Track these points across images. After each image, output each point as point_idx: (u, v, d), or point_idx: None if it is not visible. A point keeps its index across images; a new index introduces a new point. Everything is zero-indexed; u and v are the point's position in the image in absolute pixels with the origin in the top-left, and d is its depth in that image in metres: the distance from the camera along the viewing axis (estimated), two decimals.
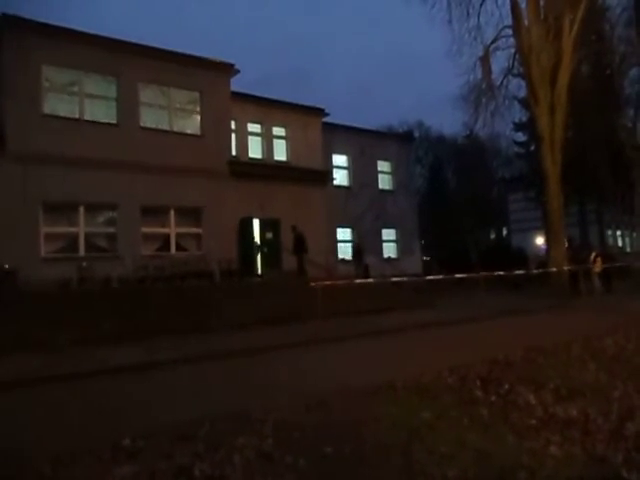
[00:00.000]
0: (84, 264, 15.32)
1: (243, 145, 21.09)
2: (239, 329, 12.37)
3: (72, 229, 16.04)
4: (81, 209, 16.07)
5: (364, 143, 26.79)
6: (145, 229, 17.07)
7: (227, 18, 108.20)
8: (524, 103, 28.93)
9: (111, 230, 16.73)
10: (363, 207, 26.36)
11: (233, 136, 20.15)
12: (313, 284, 11.80)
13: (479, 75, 22.53)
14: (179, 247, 17.82)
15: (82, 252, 15.94)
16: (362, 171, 26.86)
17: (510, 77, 23.76)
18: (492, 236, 55.54)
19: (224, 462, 4.10)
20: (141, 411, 6.03)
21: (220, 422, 5.04)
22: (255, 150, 21.64)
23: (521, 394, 5.55)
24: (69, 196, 15.69)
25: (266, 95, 21.92)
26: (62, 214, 16.09)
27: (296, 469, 3.92)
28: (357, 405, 5.49)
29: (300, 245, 18.32)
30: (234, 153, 20.12)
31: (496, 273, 18.26)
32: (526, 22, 21.24)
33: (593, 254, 21.80)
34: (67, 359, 9.30)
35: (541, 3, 21.49)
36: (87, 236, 16.22)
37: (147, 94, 17.69)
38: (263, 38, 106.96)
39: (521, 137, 42.03)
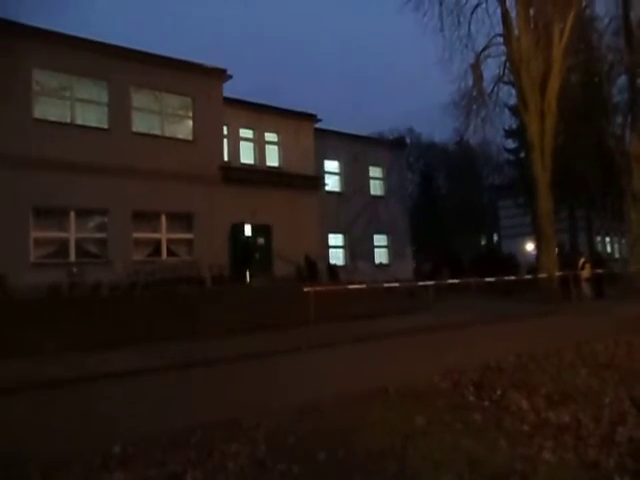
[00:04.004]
0: (74, 269, 15.21)
1: (235, 150, 21.07)
2: (231, 335, 12.32)
3: (62, 234, 15.92)
4: (72, 214, 15.96)
5: (356, 149, 26.86)
6: (136, 234, 16.97)
7: (219, 27, 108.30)
8: (514, 110, 29.14)
9: (102, 235, 16.61)
10: (355, 213, 26.42)
11: (225, 141, 20.13)
12: (306, 289, 11.79)
13: (470, 82, 22.68)
14: (170, 253, 17.73)
15: (72, 257, 15.82)
16: (354, 177, 26.91)
17: (501, 84, 23.95)
18: (483, 242, 55.79)
19: (217, 469, 4.08)
20: (131, 418, 5.98)
21: (212, 429, 5.02)
22: (247, 155, 21.62)
23: (514, 399, 5.57)
24: (60, 201, 15.58)
25: (258, 101, 21.97)
26: (52, 219, 15.96)
27: (290, 476, 3.90)
28: (350, 411, 5.48)
29: (248, 254, 18.52)
30: (226, 158, 20.10)
31: (487, 279, 18.33)
32: (516, 31, 21.43)
33: (581, 260, 21.96)
34: (55, 365, 9.22)
35: (531, 12, 21.70)
36: (78, 241, 16.10)
37: (139, 99, 17.64)
38: (254, 44, 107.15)
39: (511, 144, 42.29)
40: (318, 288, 12.71)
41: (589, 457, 4.00)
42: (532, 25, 21.47)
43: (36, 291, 13.34)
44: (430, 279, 20.18)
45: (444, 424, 4.86)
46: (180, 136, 18.45)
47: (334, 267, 23.22)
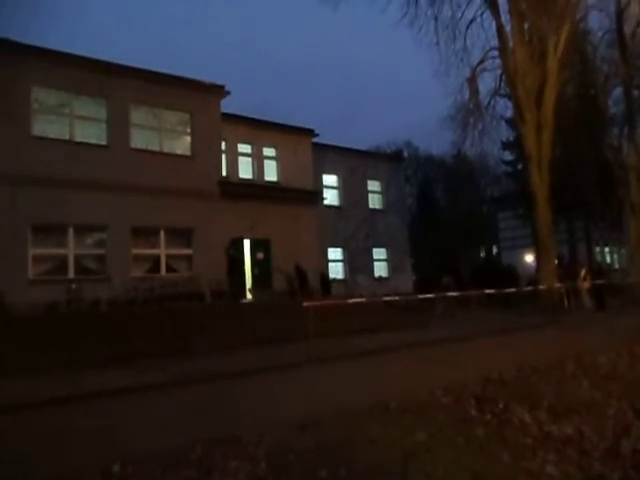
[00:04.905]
0: (73, 286, 15.17)
1: (233, 166, 21.16)
2: (230, 351, 12.24)
3: (61, 251, 15.91)
4: (70, 230, 15.96)
5: (354, 163, 26.98)
6: (135, 250, 16.97)
7: (216, 44, 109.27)
8: (511, 123, 29.33)
9: (101, 251, 16.60)
10: (354, 226, 26.44)
11: (223, 157, 20.23)
12: (305, 304, 11.75)
13: (466, 96, 22.85)
14: (169, 268, 17.70)
15: (71, 274, 15.79)
16: (352, 191, 27.00)
17: (497, 97, 24.13)
18: (482, 254, 55.72)
19: None
20: (130, 435, 5.92)
21: (212, 446, 4.96)
22: (245, 171, 21.71)
23: (516, 413, 5.52)
24: (58, 217, 15.59)
25: (256, 116, 22.11)
26: (51, 235, 15.97)
27: None
28: (351, 426, 5.43)
29: (233, 267, 18.28)
30: (224, 174, 20.17)
31: (487, 291, 18.28)
32: (511, 44, 21.63)
33: (583, 271, 21.94)
34: (53, 383, 9.13)
35: (526, 26, 21.92)
36: (76, 258, 16.09)
37: (137, 115, 17.74)
38: (251, 60, 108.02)
39: (509, 156, 42.49)
40: (317, 303, 12.67)
41: (593, 470, 3.95)
42: (527, 38, 21.70)
43: (34, 308, 13.29)
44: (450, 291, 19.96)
45: (446, 439, 4.80)
46: (179, 152, 18.54)
47: (327, 278, 22.83)
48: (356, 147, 28.95)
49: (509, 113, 26.22)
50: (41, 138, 15.70)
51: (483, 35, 22.48)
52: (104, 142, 16.86)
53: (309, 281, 19.72)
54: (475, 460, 4.22)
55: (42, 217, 15.31)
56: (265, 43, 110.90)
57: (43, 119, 16.19)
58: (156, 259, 17.54)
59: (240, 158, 21.62)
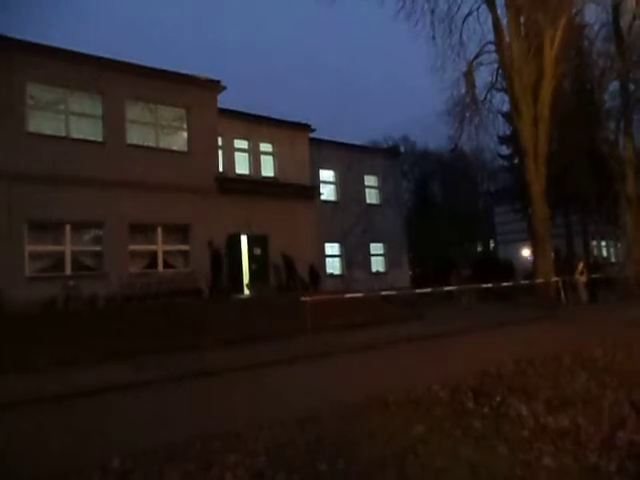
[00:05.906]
0: (70, 283, 15.16)
1: (230, 161, 21.11)
2: (228, 346, 12.26)
3: (58, 247, 15.88)
4: (67, 227, 15.93)
5: (351, 158, 26.93)
6: (132, 247, 16.94)
7: (213, 37, 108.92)
8: (508, 117, 29.29)
9: (98, 248, 16.58)
10: (351, 222, 26.43)
11: (220, 152, 20.17)
12: (303, 299, 11.79)
13: (463, 90, 22.84)
14: (166, 264, 17.69)
15: (68, 271, 15.77)
16: (349, 186, 26.96)
17: (493, 91, 24.11)
18: (479, 248, 55.82)
19: None
20: (130, 431, 5.93)
21: (211, 441, 4.97)
22: (242, 166, 21.65)
23: (513, 405, 5.54)
24: (55, 214, 15.55)
25: (252, 111, 22.04)
26: (48, 232, 15.93)
27: None
28: (350, 420, 5.45)
29: (218, 262, 18.05)
30: (221, 169, 20.12)
31: (484, 285, 18.34)
32: (508, 38, 21.60)
33: (580, 265, 22.03)
34: (50, 380, 9.14)
35: (522, 20, 21.90)
36: (73, 254, 16.06)
37: (133, 111, 17.68)
38: (248, 55, 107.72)
39: (505, 150, 42.41)
40: (315, 297, 12.71)
41: (589, 462, 3.98)
42: (523, 32, 21.66)
43: (32, 305, 13.29)
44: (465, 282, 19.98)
45: (444, 432, 4.83)
46: (175, 148, 18.48)
47: (315, 271, 21.71)
48: (353, 142, 28.88)
49: (506, 107, 26.20)
50: (37, 134, 15.63)
51: (479, 29, 22.55)
52: (100, 138, 16.81)
53: (297, 272, 19.58)
54: (472, 452, 4.25)
55: (38, 214, 15.27)
56: (261, 39, 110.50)
57: (38, 115, 16.12)
58: (153, 255, 17.52)
59: (237, 154, 21.55)
